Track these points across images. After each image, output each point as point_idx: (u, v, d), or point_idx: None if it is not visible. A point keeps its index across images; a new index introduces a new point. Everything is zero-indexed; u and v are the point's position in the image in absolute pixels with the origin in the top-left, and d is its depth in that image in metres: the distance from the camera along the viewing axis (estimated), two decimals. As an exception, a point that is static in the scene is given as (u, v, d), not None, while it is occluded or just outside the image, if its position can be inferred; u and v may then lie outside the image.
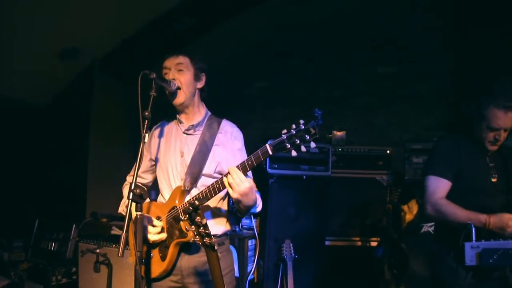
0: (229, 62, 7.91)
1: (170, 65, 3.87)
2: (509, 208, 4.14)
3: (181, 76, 3.87)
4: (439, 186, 4.32)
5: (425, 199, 4.36)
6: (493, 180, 4.37)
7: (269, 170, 6.27)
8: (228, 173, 3.38)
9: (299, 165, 6.36)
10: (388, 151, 6.89)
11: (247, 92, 8.45)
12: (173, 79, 3.80)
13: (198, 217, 3.24)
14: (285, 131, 3.14)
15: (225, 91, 7.84)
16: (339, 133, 6.64)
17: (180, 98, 3.88)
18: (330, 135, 6.73)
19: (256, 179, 4.03)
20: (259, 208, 3.76)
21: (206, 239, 3.23)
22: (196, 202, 3.40)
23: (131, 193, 3.28)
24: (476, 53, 7.22)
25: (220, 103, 7.02)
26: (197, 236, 3.29)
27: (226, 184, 3.38)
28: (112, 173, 4.74)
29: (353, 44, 7.83)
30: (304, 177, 6.49)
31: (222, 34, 7.51)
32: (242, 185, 3.34)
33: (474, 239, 3.84)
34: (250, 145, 4.73)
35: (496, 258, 3.58)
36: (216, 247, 3.29)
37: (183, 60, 3.89)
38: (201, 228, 3.23)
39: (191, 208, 3.29)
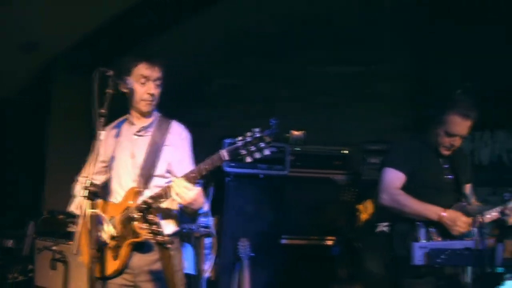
0: (192, 59, 7.90)
1: (151, 76, 3.86)
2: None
3: (157, 90, 3.92)
4: (396, 178, 4.47)
5: (381, 189, 4.50)
6: (447, 179, 4.51)
7: (226, 169, 6.27)
8: (173, 183, 3.46)
9: (256, 164, 6.37)
10: (345, 151, 6.94)
11: (210, 90, 8.43)
12: (136, 82, 3.83)
13: (151, 215, 3.28)
14: (240, 138, 3.24)
15: (187, 89, 7.84)
16: (297, 133, 6.69)
17: (150, 107, 3.95)
18: (288, 135, 6.77)
19: (212, 177, 4.07)
20: (205, 208, 3.83)
21: (159, 237, 3.27)
22: (150, 200, 3.46)
23: (85, 191, 3.31)
24: (438, 55, 7.36)
25: (183, 101, 7.06)
26: (150, 234, 3.32)
27: (173, 195, 3.44)
28: (71, 170, 4.72)
29: (316, 43, 7.87)
30: (262, 176, 6.54)
31: (185, 31, 7.51)
32: (189, 193, 3.42)
33: (422, 239, 3.94)
34: (212, 144, 4.77)
35: (444, 257, 3.67)
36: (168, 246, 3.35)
37: (160, 74, 3.91)
38: (154, 226, 3.27)
39: (144, 206, 3.33)
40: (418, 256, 3.75)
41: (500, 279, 5.07)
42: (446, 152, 4.49)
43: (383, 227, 5.80)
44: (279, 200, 6.66)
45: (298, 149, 6.82)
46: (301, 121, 7.29)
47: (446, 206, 4.32)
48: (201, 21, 7.34)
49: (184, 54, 7.70)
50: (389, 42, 7.64)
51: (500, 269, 5.19)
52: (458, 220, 4.19)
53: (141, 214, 3.47)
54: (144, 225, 3.40)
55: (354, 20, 7.60)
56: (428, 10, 7.40)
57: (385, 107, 7.63)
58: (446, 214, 4.20)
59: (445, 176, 4.55)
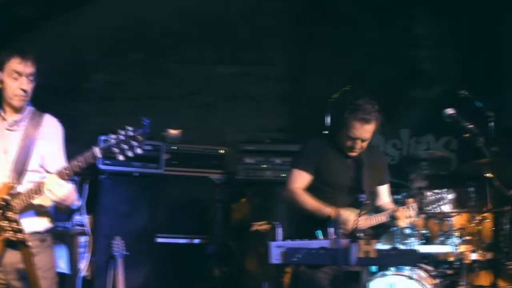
0: (69, 53, 7.77)
1: (23, 71, 3.75)
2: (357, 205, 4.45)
3: (30, 85, 3.82)
4: (299, 177, 4.64)
5: (285, 188, 4.68)
6: (350, 180, 4.71)
7: (100, 166, 6.26)
8: (46, 179, 3.46)
9: (131, 162, 6.34)
10: (221, 151, 7.05)
11: (87, 85, 8.26)
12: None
13: (10, 212, 3.27)
14: (113, 136, 3.29)
15: (64, 84, 7.71)
16: (173, 132, 6.71)
17: (22, 103, 3.85)
18: (165, 133, 6.78)
19: (87, 175, 4.07)
20: (77, 204, 3.84)
21: (19, 235, 3.26)
22: (7, 197, 3.44)
23: None
24: (316, 58, 7.57)
25: (59, 96, 6.94)
26: (10, 232, 3.31)
27: (46, 191, 3.44)
28: None
29: (195, 42, 7.93)
30: (136, 174, 6.56)
31: (64, 24, 7.41)
32: (62, 189, 3.44)
33: (279, 238, 4.09)
34: (89, 140, 4.73)
35: (299, 256, 3.80)
36: (37, 244, 3.35)
37: (33, 70, 3.83)
38: (14, 223, 3.26)
39: (3, 203, 3.32)
40: (275, 255, 3.86)
41: (360, 277, 5.30)
42: (351, 154, 4.66)
43: (257, 226, 5.95)
44: (154, 199, 6.68)
45: (174, 147, 6.88)
46: (179, 120, 7.30)
47: (348, 205, 4.49)
48: (82, 15, 7.28)
49: (64, 48, 7.60)
50: (268, 43, 7.80)
51: (372, 268, 5.44)
52: (349, 219, 4.36)
53: (0, 211, 3.45)
54: (4, 223, 3.38)
55: (235, 21, 7.72)
56: (308, 14, 7.60)
57: (262, 108, 7.79)
58: (338, 214, 4.37)
59: (350, 176, 4.72)
